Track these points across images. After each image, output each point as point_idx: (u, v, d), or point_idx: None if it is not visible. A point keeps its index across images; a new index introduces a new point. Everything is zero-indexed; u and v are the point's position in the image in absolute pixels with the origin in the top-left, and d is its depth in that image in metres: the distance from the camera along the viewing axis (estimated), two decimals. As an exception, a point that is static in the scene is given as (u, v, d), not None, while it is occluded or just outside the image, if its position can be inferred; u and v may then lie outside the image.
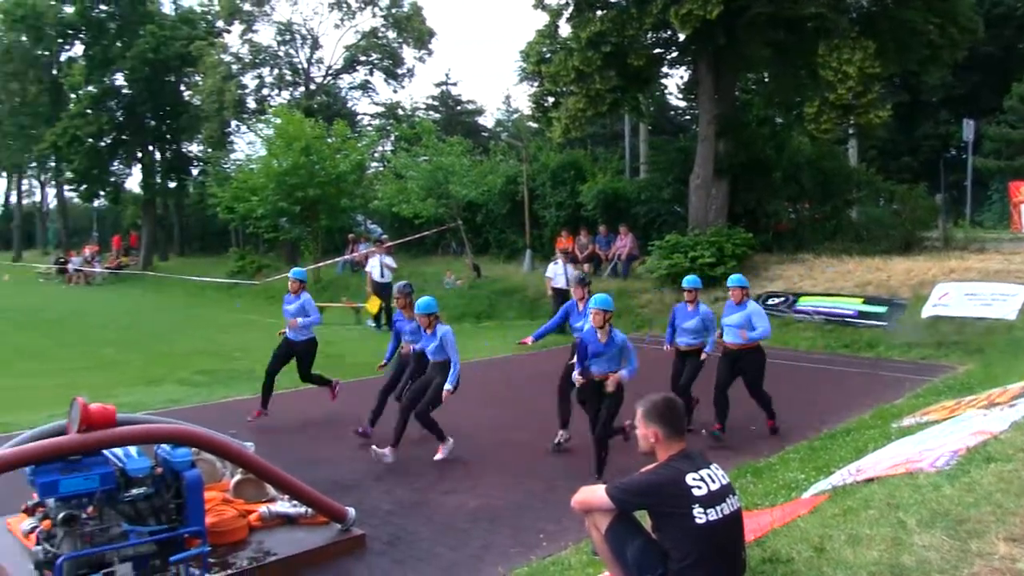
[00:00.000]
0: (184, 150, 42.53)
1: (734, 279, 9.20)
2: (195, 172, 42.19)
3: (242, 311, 23.31)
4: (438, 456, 8.09)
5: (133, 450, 5.29)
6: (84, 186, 40.65)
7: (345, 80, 39.98)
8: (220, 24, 37.91)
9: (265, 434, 8.62)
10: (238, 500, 6.39)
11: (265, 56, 36.76)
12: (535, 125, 30.37)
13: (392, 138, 37.19)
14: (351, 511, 6.12)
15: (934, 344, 13.96)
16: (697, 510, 3.75)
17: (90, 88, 37.43)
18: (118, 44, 37.61)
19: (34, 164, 54.71)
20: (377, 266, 18.73)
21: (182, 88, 39.59)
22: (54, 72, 42.06)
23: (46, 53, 42.13)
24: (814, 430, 8.79)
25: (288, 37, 36.76)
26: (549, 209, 23.84)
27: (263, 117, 29.27)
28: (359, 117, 40.50)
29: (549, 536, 6.14)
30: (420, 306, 8.15)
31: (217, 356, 14.81)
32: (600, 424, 7.48)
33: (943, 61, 18.88)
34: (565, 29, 19.91)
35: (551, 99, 21.19)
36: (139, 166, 41.35)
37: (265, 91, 37.57)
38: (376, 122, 39.97)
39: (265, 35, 38.61)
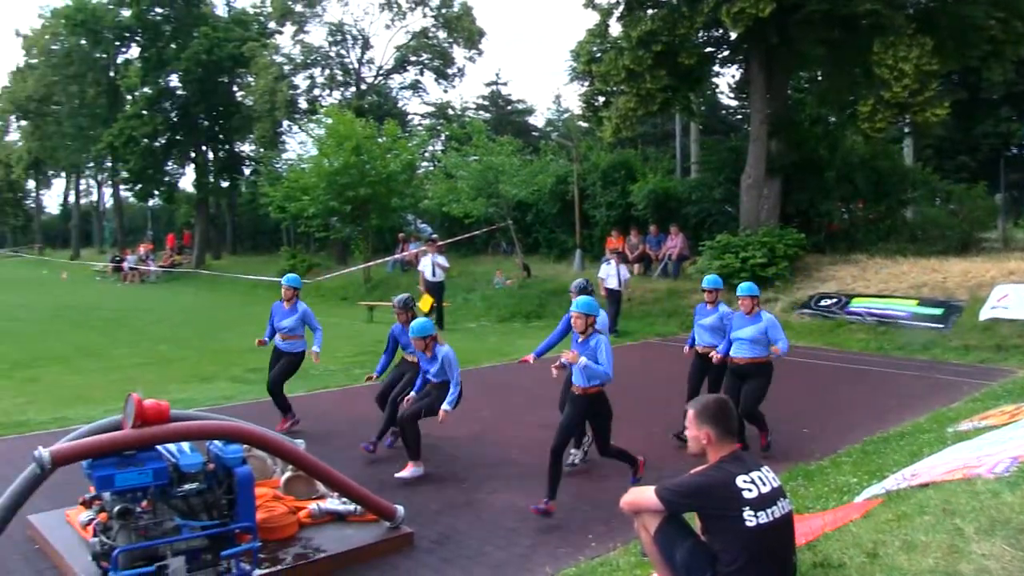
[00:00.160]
0: (237, 150, 43.13)
1: (745, 287, 8.48)
2: (247, 172, 42.75)
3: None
4: (403, 474, 7.55)
5: (186, 446, 5.37)
6: (139, 185, 41.46)
7: (396, 80, 40.29)
8: (272, 25, 38.42)
9: (315, 432, 8.70)
10: (288, 497, 6.46)
11: (316, 56, 37.12)
12: (585, 125, 30.28)
13: (442, 138, 37.35)
14: (400, 509, 6.15)
15: (993, 347, 13.65)
16: (747, 513, 3.71)
17: (146, 89, 38.20)
18: (173, 46, 38.30)
19: (91, 164, 55.92)
20: (429, 265, 18.80)
21: (235, 89, 40.16)
22: (111, 74, 43.16)
23: (104, 56, 43.23)
24: (867, 433, 8.62)
25: (339, 38, 37.08)
26: (599, 209, 23.78)
27: (314, 117, 29.53)
28: (410, 117, 40.76)
29: (598, 537, 6.11)
30: (415, 330, 7.69)
31: (268, 354, 14.97)
32: (602, 442, 7.10)
33: (1006, 57, 18.37)
34: (616, 28, 19.86)
35: (601, 98, 21.12)
36: (193, 166, 42.03)
37: (316, 91, 37.96)
38: (426, 122, 40.16)
39: (316, 36, 39.18)
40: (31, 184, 68.27)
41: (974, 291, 15.29)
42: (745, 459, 3.95)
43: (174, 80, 39.13)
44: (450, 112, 41.62)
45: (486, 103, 49.27)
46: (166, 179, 42.31)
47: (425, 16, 36.95)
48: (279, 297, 9.51)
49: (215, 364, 13.87)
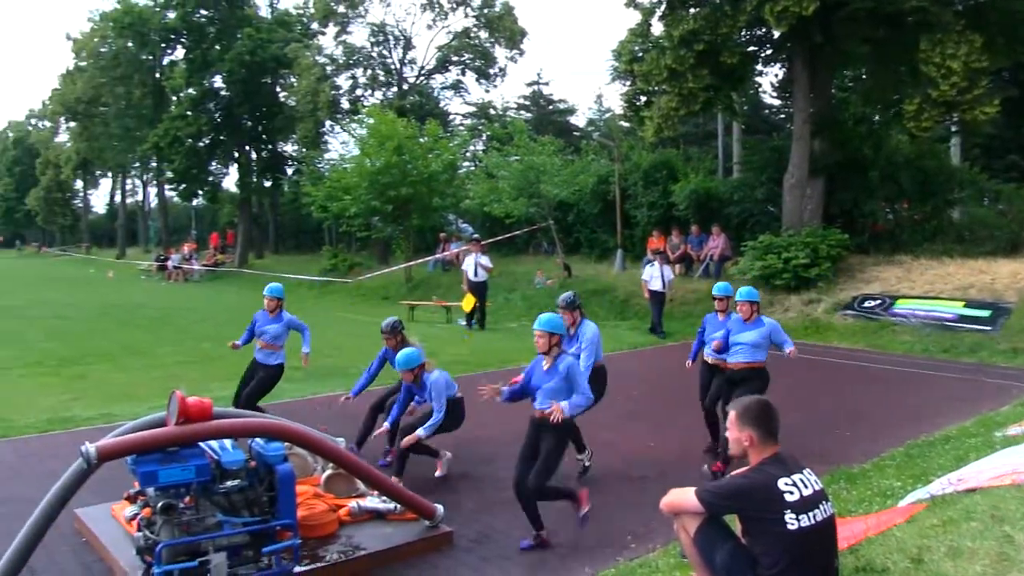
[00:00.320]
0: (279, 150, 43.58)
1: (744, 292, 8.08)
2: (290, 171, 43.19)
3: (333, 309, 23.77)
4: (440, 472, 7.59)
5: (228, 443, 5.44)
6: (183, 185, 42.10)
7: (437, 80, 40.46)
8: (315, 26, 38.76)
9: (352, 434, 8.75)
10: (328, 495, 6.51)
11: (359, 57, 37.39)
12: (627, 124, 30.22)
13: (484, 137, 37.41)
14: (439, 508, 6.17)
15: (1043, 350, 13.39)
16: (789, 516, 3.68)
17: (190, 90, 38.77)
18: (217, 47, 38.82)
19: (137, 164, 56.94)
20: (472, 265, 18.85)
21: (278, 89, 40.59)
22: (157, 76, 43.87)
23: (150, 57, 43.98)
24: (911, 436, 8.49)
25: (381, 38, 37.33)
26: (641, 209, 23.69)
27: (356, 117, 29.74)
28: (451, 117, 40.87)
29: (637, 537, 6.08)
30: (401, 363, 7.35)
31: (311, 352, 15.09)
32: (534, 473, 5.91)
33: (1058, 53, 17.98)
34: (657, 28, 19.74)
35: (643, 98, 21.02)
36: (236, 166, 42.57)
37: (358, 91, 38.24)
38: (468, 122, 40.27)
39: (359, 36, 39.41)
40: (79, 184, 69.63)
41: (1023, 293, 15.00)
42: (787, 461, 3.91)
43: (218, 81, 39.69)
44: (491, 112, 41.68)
45: (527, 103, 49.23)
46: (210, 179, 42.93)
47: (467, 16, 37.10)
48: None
49: (256, 362, 13.99)
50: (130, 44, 43.09)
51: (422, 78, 39.41)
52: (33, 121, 75.65)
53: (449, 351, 15.35)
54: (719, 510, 3.93)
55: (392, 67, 38.10)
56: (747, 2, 17.10)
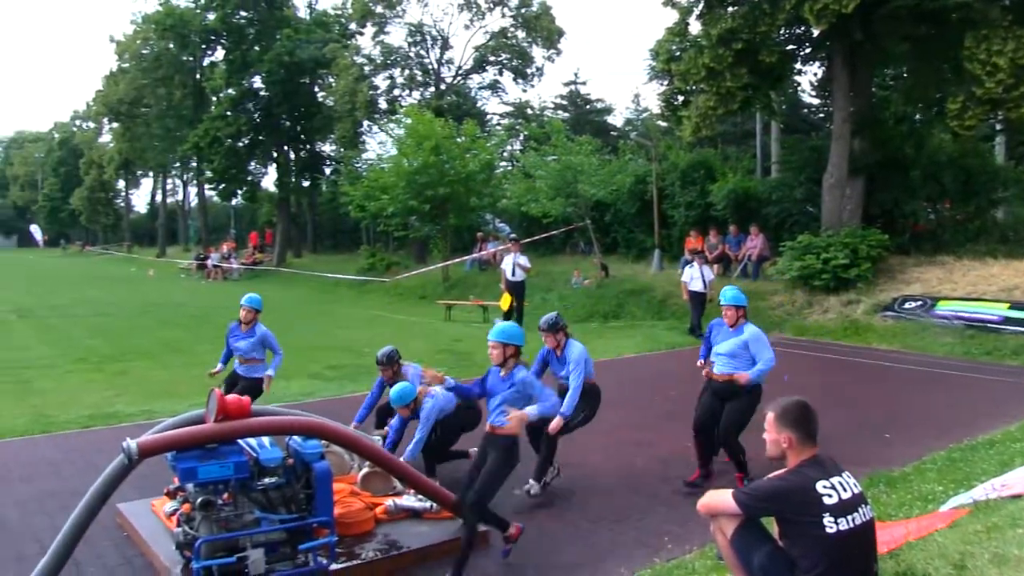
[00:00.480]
0: (318, 150, 43.92)
1: (729, 295, 7.44)
2: (328, 171, 43.49)
3: (371, 308, 23.93)
4: None
5: (266, 441, 5.49)
6: (223, 185, 42.56)
7: (474, 80, 40.46)
8: (353, 27, 38.92)
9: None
10: (365, 493, 6.55)
11: (396, 57, 37.52)
12: (664, 124, 30.02)
13: (521, 137, 37.43)
14: (475, 508, 6.17)
15: (1091, 354, 13.13)
16: (827, 519, 3.65)
17: (230, 91, 39.21)
18: (256, 48, 39.23)
19: (177, 164, 57.70)
20: (510, 264, 18.84)
21: (316, 90, 40.86)
22: (197, 77, 44.50)
23: (190, 59, 44.62)
24: (953, 440, 8.35)
25: (419, 38, 37.42)
26: (678, 209, 23.57)
27: (394, 117, 29.88)
28: (488, 116, 40.91)
29: (674, 539, 6.06)
30: (396, 399, 7.20)
31: (347, 352, 15.23)
32: (473, 490, 5.66)
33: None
34: (695, 26, 19.58)
35: (681, 97, 20.88)
36: (275, 165, 42.93)
37: (396, 92, 38.35)
38: (505, 121, 40.28)
39: (396, 37, 39.60)
40: (121, 184, 70.65)
41: (1070, 295, 14.74)
42: (826, 464, 3.88)
43: (257, 81, 40.05)
44: (529, 112, 41.69)
45: (565, 103, 49.12)
46: (249, 178, 43.34)
47: (504, 16, 37.08)
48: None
49: (294, 361, 14.04)
50: (171, 46, 43.73)
51: (459, 78, 39.47)
52: (78, 122, 77.03)
53: (486, 351, 15.34)
54: (756, 512, 3.90)
55: (430, 67, 38.21)
56: (786, 0, 16.94)
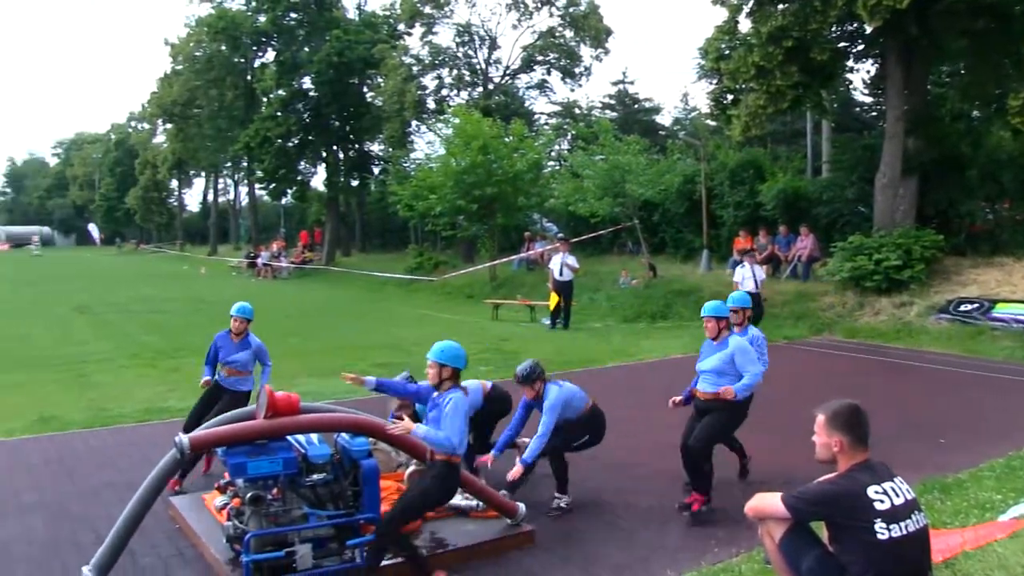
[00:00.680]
0: (366, 149, 44.23)
1: (708, 307, 6.84)
2: (376, 171, 43.81)
3: (418, 306, 24.06)
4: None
5: (315, 437, 5.55)
6: (273, 184, 43.14)
7: (522, 80, 40.40)
8: (401, 27, 39.13)
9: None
10: (411, 490, 6.58)
11: (444, 57, 37.63)
12: (713, 123, 29.78)
13: (569, 137, 37.34)
14: (522, 507, 6.19)
15: None
16: (879, 525, 3.59)
17: (280, 92, 39.66)
18: (306, 49, 39.70)
19: (228, 164, 58.57)
20: (558, 264, 18.80)
21: (365, 90, 41.17)
22: (248, 78, 45.10)
23: (242, 60, 45.32)
24: (1013, 447, 8.11)
25: (467, 38, 37.48)
26: (727, 209, 23.36)
27: (442, 117, 30.01)
28: (536, 116, 40.87)
29: (720, 541, 5.99)
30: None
31: (395, 349, 15.32)
32: (387, 514, 5.27)
33: None
34: (745, 24, 19.37)
35: (730, 96, 20.69)
36: (324, 165, 43.38)
37: (444, 91, 38.44)
38: (553, 121, 40.23)
39: (444, 37, 39.66)
40: (174, 184, 71.90)
41: None
42: (877, 468, 3.81)
43: (307, 82, 40.49)
44: (576, 111, 41.55)
45: (613, 102, 48.90)
46: (298, 178, 43.83)
47: (552, 15, 36.94)
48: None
49: (343, 358, 14.23)
50: (223, 48, 44.42)
51: (507, 78, 39.48)
52: (133, 124, 78.56)
53: (532, 351, 15.37)
54: (805, 516, 3.84)
55: (477, 67, 38.26)
56: (839, -4, 16.67)
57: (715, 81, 21.54)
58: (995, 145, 19.35)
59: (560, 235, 24.99)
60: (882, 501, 3.63)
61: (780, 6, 18.19)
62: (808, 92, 19.60)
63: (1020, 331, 14.65)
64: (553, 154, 33.50)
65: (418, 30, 37.81)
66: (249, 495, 5.21)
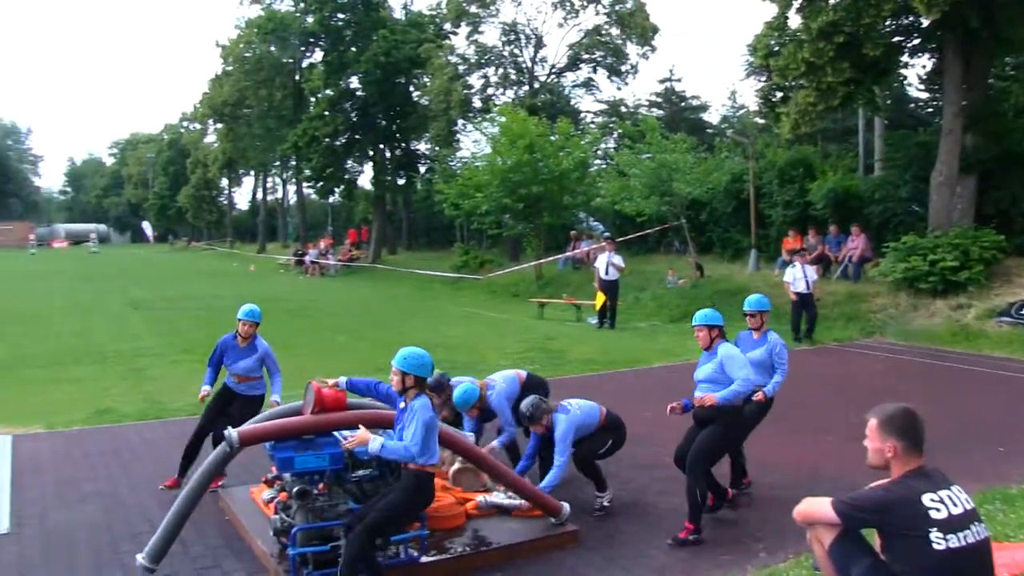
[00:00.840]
0: (413, 148, 44.34)
1: (699, 316, 6.46)
2: (423, 169, 43.95)
3: (464, 305, 24.10)
4: None
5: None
6: (320, 183, 43.60)
7: (568, 78, 40.29)
8: (447, 27, 39.23)
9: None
10: (456, 488, 6.58)
11: (490, 56, 37.66)
12: (762, 121, 29.44)
13: (615, 135, 37.13)
14: (566, 506, 6.15)
15: None
16: (935, 535, 3.44)
17: (327, 91, 39.91)
18: (353, 49, 39.89)
19: (277, 163, 59.14)
20: (604, 263, 18.71)
21: (411, 89, 41.24)
22: (296, 78, 45.56)
23: (290, 61, 45.82)
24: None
25: (513, 37, 37.48)
26: (776, 208, 23.03)
27: (488, 116, 30.01)
28: (582, 115, 40.67)
29: (767, 546, 5.90)
30: (459, 402, 7.12)
31: (441, 347, 15.31)
32: (361, 525, 4.91)
33: None
34: (795, 20, 19.04)
35: (779, 93, 20.40)
36: (371, 164, 43.58)
37: (490, 90, 38.50)
38: (599, 119, 40.01)
39: (490, 36, 39.56)
40: (224, 182, 72.86)
41: None
42: (933, 476, 3.66)
43: (354, 82, 40.70)
44: (623, 109, 41.27)
45: (659, 100, 48.46)
46: (346, 177, 44.12)
47: (598, 14, 36.75)
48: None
49: (389, 355, 14.12)
50: (272, 48, 44.97)
51: (553, 76, 39.39)
52: (185, 124, 79.82)
53: (578, 350, 15.33)
54: (856, 523, 3.71)
55: (523, 66, 38.23)
56: (894, -11, 16.31)
57: (764, 78, 21.28)
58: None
59: (606, 234, 24.86)
60: (938, 510, 3.49)
61: (831, 1, 17.86)
62: (860, 88, 19.24)
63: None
64: (599, 153, 33.30)
65: (464, 29, 37.94)
66: (296, 489, 5.27)
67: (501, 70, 38.27)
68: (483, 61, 37.66)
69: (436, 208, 36.53)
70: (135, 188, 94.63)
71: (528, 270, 27.54)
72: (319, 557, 5.15)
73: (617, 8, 36.14)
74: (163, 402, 10.85)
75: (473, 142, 37.35)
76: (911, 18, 18.69)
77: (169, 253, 69.80)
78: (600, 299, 18.79)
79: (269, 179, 69.47)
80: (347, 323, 19.70)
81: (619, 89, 56.39)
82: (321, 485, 5.38)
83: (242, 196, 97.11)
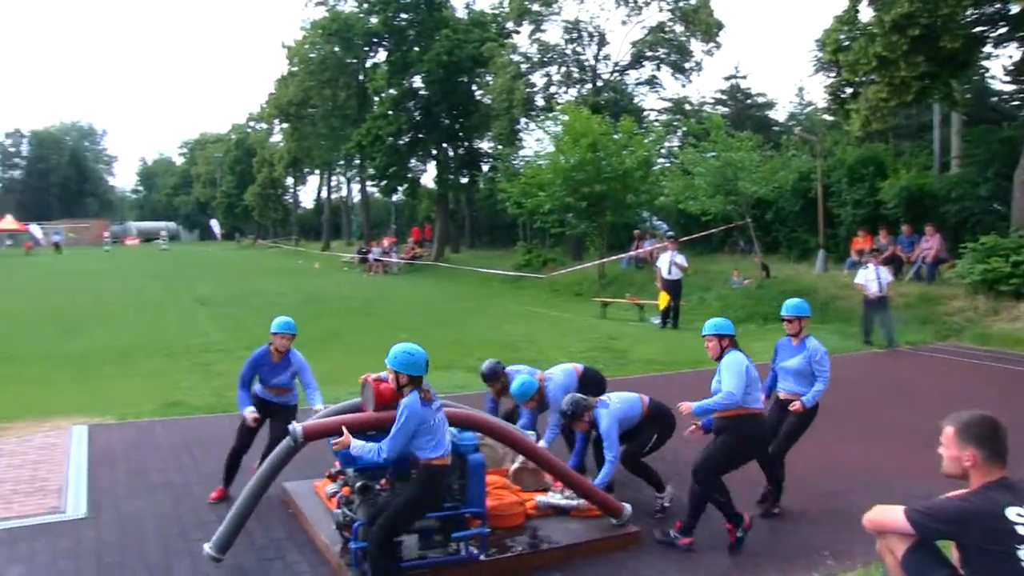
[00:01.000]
0: (475, 147, 44.47)
1: (708, 326, 6.23)
2: (485, 168, 44.05)
3: (527, 303, 24.07)
4: None
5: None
6: (384, 182, 44.02)
7: (632, 76, 39.92)
8: (510, 25, 39.18)
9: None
10: (516, 487, 6.52)
11: (553, 55, 37.54)
12: (831, 118, 28.89)
13: (679, 133, 36.75)
14: (627, 507, 6.07)
15: None
16: (1023, 552, 3.25)
17: (391, 91, 40.28)
18: (416, 49, 40.21)
19: (341, 162, 60.01)
20: (667, 263, 18.51)
21: (474, 88, 41.39)
22: (360, 78, 46.15)
23: (354, 61, 46.36)
24: None
25: (575, 35, 37.27)
26: (845, 207, 22.58)
27: (551, 114, 29.92)
28: (646, 113, 40.37)
29: (835, 553, 5.72)
30: (517, 394, 7.09)
31: (504, 345, 15.32)
32: (376, 526, 4.94)
33: None
34: (866, 13, 18.58)
35: (849, 89, 19.98)
36: (434, 163, 43.83)
37: (553, 89, 38.36)
38: (663, 117, 39.62)
39: (553, 34, 39.34)
40: (289, 181, 74.00)
41: None
42: (1018, 488, 3.43)
43: (417, 81, 41.00)
44: (687, 107, 40.84)
45: (724, 97, 47.91)
46: (409, 175, 44.48)
47: (661, 10, 36.30)
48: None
49: (452, 353, 14.30)
50: (336, 49, 45.51)
51: (616, 74, 39.09)
52: (252, 124, 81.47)
53: (641, 350, 15.18)
54: (931, 534, 3.52)
55: (586, 64, 38.01)
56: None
57: (833, 74, 20.83)
58: None
59: (670, 234, 24.60)
60: (1024, 525, 3.30)
61: (906, -8, 17.36)
62: (936, 83, 18.64)
63: None
64: (663, 151, 32.98)
65: (526, 28, 37.83)
66: (358, 484, 5.30)
67: (564, 68, 38.11)
68: (546, 59, 37.55)
69: (499, 207, 36.56)
70: (203, 187, 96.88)
71: (591, 269, 27.40)
72: (381, 552, 5.15)
73: (681, 4, 35.67)
74: (229, 396, 10.93)
75: (536, 140, 37.29)
76: (996, 6, 18.02)
77: (236, 250, 71.20)
78: (664, 299, 18.60)
79: (333, 178, 70.50)
80: (410, 321, 19.78)
81: (683, 87, 55.80)
82: (383, 480, 5.38)
83: (307, 194, 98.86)
